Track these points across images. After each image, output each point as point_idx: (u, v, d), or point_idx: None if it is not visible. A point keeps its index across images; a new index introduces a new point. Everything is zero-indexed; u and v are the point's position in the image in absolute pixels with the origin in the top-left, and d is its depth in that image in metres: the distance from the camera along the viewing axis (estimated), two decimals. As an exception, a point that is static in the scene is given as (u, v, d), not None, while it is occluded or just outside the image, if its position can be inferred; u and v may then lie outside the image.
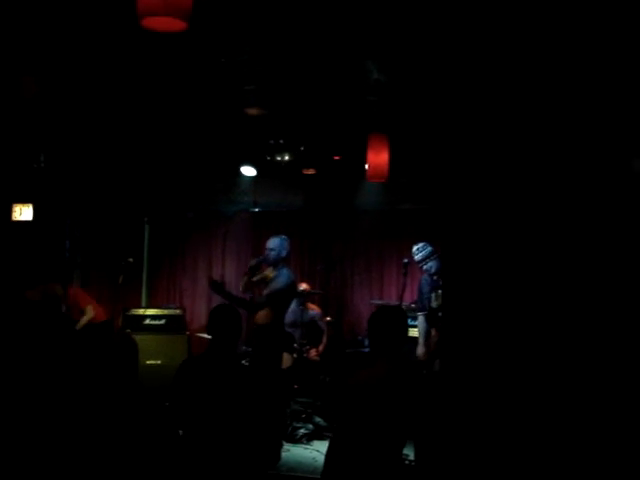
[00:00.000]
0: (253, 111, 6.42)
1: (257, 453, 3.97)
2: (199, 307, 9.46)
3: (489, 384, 3.55)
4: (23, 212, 7.47)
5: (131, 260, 7.27)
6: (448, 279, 3.94)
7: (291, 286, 6.21)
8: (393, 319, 3.70)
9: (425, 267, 6.50)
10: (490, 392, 3.53)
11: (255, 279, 6.23)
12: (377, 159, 6.24)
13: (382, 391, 3.48)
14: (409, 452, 5.10)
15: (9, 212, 7.45)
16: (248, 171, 8.23)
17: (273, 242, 6.14)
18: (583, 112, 3.46)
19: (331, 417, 6.67)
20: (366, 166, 6.40)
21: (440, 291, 6.36)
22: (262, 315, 6.01)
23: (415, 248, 6.54)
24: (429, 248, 6.46)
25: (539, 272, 3.49)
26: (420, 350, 6.44)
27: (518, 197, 3.58)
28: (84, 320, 7.37)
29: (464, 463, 3.55)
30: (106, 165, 7.95)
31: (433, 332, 6.43)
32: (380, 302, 8.64)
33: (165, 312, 8.60)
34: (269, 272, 6.16)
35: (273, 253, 6.09)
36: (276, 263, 6.13)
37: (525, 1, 3.54)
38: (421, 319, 6.57)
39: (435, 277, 6.46)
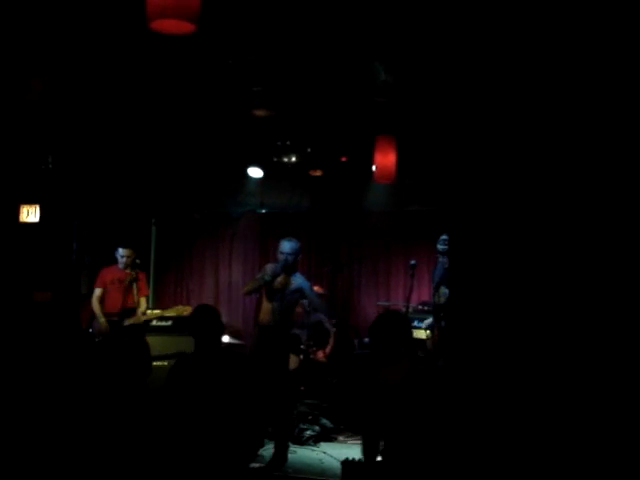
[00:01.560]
0: (260, 112, 6.43)
1: (250, 450, 4.01)
2: (206, 308, 9.46)
3: (494, 382, 3.54)
4: (30, 213, 7.48)
5: (138, 261, 7.25)
6: (455, 281, 3.93)
7: None
8: (401, 323, 3.84)
9: (442, 259, 6.55)
10: (495, 390, 3.53)
11: (275, 286, 6.17)
12: (384, 160, 6.24)
13: (411, 386, 3.59)
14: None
15: (16, 213, 7.46)
16: (255, 172, 8.24)
17: (290, 247, 6.04)
18: (590, 117, 3.45)
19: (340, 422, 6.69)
20: (373, 168, 6.40)
21: (445, 290, 6.36)
22: (268, 316, 5.99)
23: (443, 238, 6.54)
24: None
25: (546, 273, 3.49)
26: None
27: (525, 199, 3.57)
28: (138, 312, 7.09)
29: (468, 461, 3.55)
30: (114, 167, 7.96)
31: (435, 330, 6.42)
32: (387, 304, 8.64)
33: (172, 313, 8.57)
34: (282, 278, 6.11)
35: (291, 258, 6.01)
36: (290, 268, 6.10)
37: (531, 4, 3.53)
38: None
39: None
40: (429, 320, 6.91)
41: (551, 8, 3.44)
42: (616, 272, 3.36)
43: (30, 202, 7.46)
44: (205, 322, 4.01)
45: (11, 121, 6.44)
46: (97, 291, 7.17)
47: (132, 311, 6.99)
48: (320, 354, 7.69)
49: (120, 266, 7.16)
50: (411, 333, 3.91)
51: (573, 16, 3.42)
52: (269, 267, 6.16)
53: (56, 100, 6.14)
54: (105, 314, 6.97)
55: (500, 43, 3.61)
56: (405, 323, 3.87)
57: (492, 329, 3.60)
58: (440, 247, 6.61)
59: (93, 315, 7.07)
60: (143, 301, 7.27)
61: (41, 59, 5.28)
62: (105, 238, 8.66)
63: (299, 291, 6.01)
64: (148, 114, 6.63)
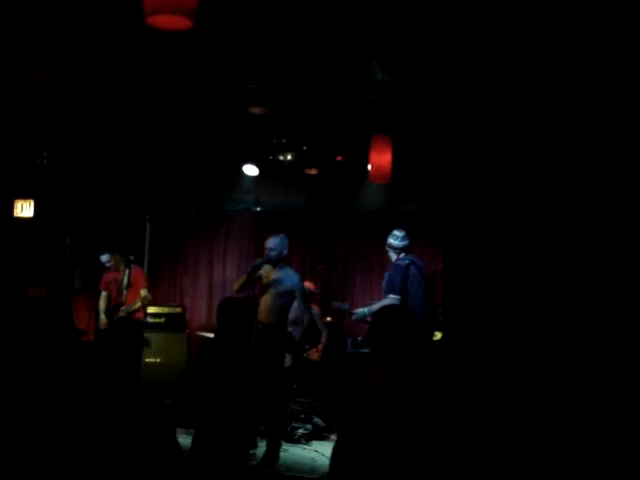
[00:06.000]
0: (256, 110, 6.42)
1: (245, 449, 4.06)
2: (199, 305, 9.46)
3: (491, 384, 3.55)
4: (24, 208, 7.46)
5: (132, 258, 7.27)
6: (450, 280, 3.94)
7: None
8: (397, 319, 3.40)
9: (398, 255, 6.35)
10: (492, 392, 3.53)
11: (253, 278, 6.21)
12: (380, 160, 6.24)
13: (379, 400, 3.19)
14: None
15: (11, 208, 7.43)
16: (250, 170, 8.22)
17: (273, 242, 6.11)
18: (585, 113, 3.45)
19: (332, 421, 6.63)
20: (369, 166, 6.39)
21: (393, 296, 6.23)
22: (265, 314, 5.99)
23: (398, 232, 6.38)
24: (408, 241, 6.35)
25: (541, 272, 3.49)
26: None
27: (520, 198, 3.58)
28: (138, 304, 7.35)
29: (463, 463, 3.55)
30: (108, 162, 7.94)
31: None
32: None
33: (165, 310, 8.60)
34: (267, 271, 6.13)
35: (274, 253, 6.07)
36: (277, 262, 6.11)
37: (528, 4, 3.53)
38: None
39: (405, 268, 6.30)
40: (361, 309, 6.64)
41: (545, 9, 3.44)
42: (611, 271, 3.37)
43: (24, 197, 7.43)
44: (225, 315, 4.17)
45: (6, 115, 6.42)
46: (102, 293, 7.73)
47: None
48: (313, 352, 7.68)
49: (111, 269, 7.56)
50: (415, 331, 3.37)
51: (569, 15, 3.43)
52: (255, 261, 6.25)
53: (52, 95, 6.11)
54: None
55: (496, 42, 3.61)
56: (411, 319, 3.38)
57: (489, 327, 3.60)
58: (398, 244, 6.36)
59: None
60: (142, 292, 7.41)
61: (37, 53, 5.26)
62: (99, 234, 8.65)
63: (291, 293, 6.04)
64: (144, 110, 6.61)
